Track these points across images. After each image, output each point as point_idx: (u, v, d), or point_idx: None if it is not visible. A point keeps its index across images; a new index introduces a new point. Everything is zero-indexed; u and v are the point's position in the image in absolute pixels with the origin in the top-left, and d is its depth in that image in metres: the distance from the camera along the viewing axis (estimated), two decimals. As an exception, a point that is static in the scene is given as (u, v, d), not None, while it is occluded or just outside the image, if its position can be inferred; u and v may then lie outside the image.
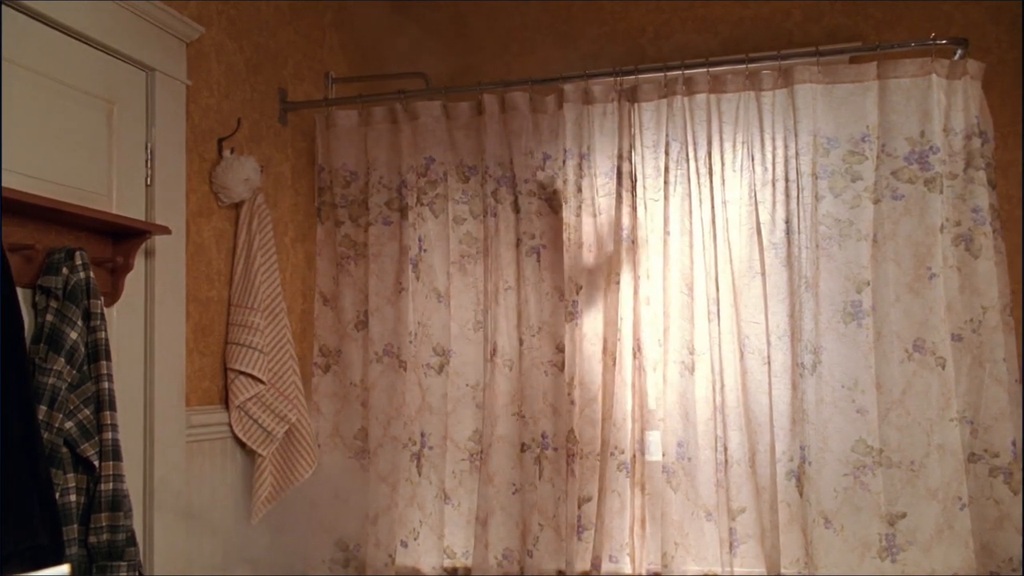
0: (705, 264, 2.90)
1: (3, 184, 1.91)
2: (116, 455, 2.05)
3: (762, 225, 2.86)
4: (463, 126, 3.16)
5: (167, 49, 2.52)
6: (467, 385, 3.13)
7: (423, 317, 3.14)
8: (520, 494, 3.03)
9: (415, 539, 3.10)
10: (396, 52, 3.57)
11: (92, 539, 2.02)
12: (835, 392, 2.78)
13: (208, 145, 2.73)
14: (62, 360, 1.96)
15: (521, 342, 3.06)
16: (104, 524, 2.03)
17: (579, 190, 3.01)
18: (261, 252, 2.84)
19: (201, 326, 2.68)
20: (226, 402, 2.76)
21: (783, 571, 2.78)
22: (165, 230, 2.36)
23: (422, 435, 3.12)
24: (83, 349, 2.02)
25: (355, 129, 3.23)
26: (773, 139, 2.86)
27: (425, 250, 3.15)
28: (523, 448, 3.03)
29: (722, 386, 2.87)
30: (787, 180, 2.84)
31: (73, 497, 1.99)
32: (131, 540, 2.06)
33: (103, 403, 2.05)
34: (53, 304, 2.00)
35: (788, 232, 2.84)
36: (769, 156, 2.86)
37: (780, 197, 2.85)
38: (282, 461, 2.92)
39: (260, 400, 2.80)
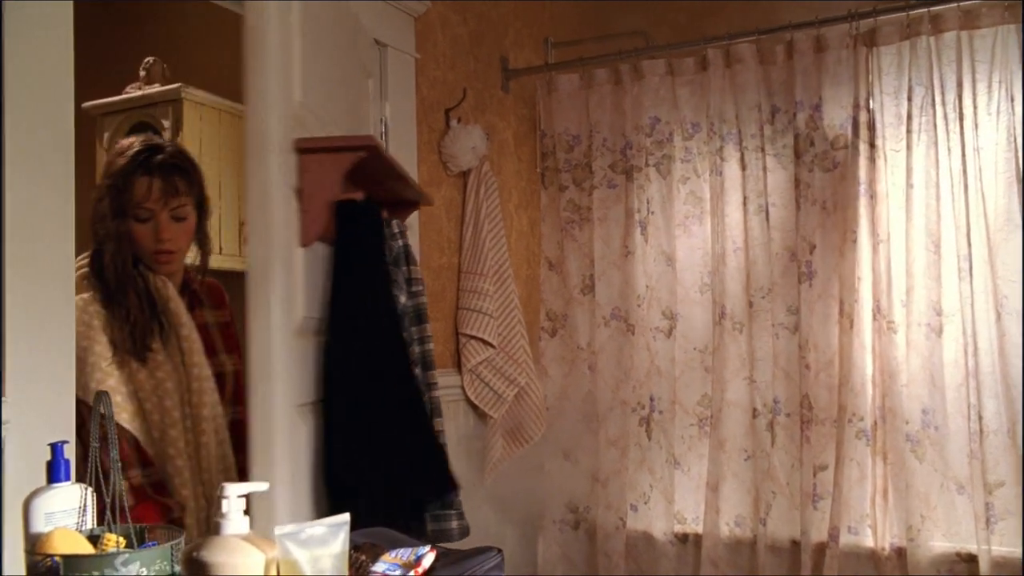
0: (955, 217, 2.68)
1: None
2: (438, 412, 2.14)
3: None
4: (686, 83, 3.08)
5: (398, 24, 2.60)
6: (695, 349, 3.07)
7: (651, 280, 3.10)
8: (752, 460, 2.95)
9: (645, 503, 3.09)
10: (614, 13, 3.51)
11: None
12: (1114, 357, 2.52)
13: (436, 116, 2.81)
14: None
15: (751, 304, 2.96)
16: None
17: (812, 143, 2.86)
18: (488, 219, 2.89)
19: (434, 292, 2.77)
20: (459, 365, 2.86)
21: (1051, 551, 2.55)
22: (428, 200, 2.34)
23: (651, 399, 3.09)
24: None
25: (576, 93, 3.22)
26: (1038, 76, 2.60)
27: (652, 212, 3.10)
28: (755, 414, 2.94)
29: (975, 350, 2.66)
30: (1055, 121, 2.58)
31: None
32: None
33: (428, 363, 2.10)
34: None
35: (1055, 179, 2.58)
36: (1033, 95, 2.61)
37: (1046, 141, 2.59)
38: (512, 423, 2.99)
39: (491, 364, 2.87)
